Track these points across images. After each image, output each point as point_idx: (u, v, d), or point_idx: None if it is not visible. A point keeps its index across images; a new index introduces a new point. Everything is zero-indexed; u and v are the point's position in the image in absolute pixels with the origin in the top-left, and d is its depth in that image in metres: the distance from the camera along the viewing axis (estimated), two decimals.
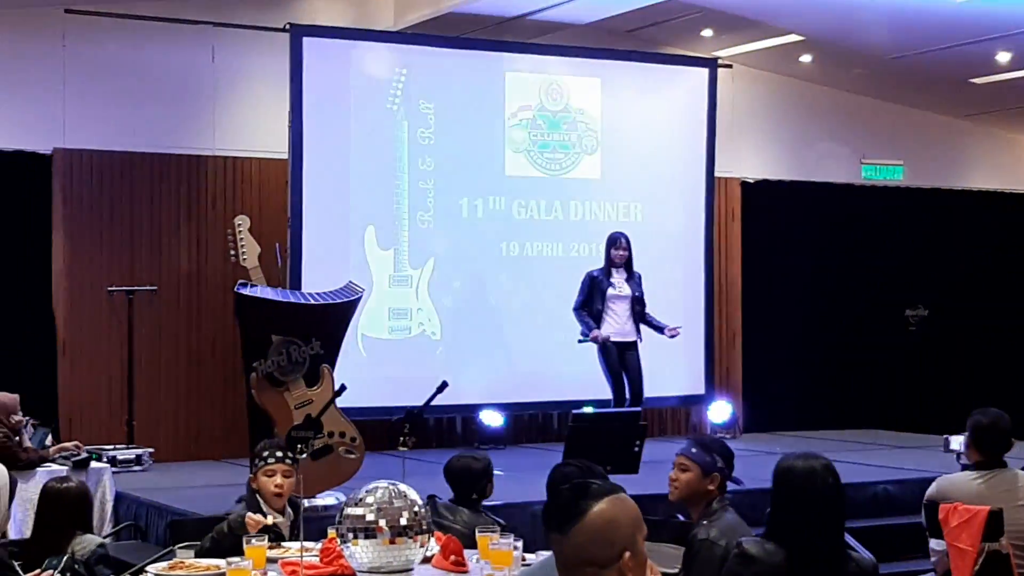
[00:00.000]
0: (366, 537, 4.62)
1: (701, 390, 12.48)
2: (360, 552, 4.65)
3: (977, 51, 12.33)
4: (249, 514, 5.10)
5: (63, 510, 5.03)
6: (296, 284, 10.53)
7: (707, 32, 12.73)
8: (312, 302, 7.93)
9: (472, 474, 5.66)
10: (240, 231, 7.83)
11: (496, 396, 11.50)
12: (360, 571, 4.67)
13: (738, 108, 13.57)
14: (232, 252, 7.82)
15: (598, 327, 10.18)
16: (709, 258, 12.56)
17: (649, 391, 11.23)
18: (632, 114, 12.18)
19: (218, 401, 11.04)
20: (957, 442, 7.74)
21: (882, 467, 10.08)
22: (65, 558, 4.65)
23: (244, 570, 4.60)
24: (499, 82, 11.65)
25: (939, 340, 14.30)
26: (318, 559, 4.98)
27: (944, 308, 14.23)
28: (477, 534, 4.98)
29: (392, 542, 4.63)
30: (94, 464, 8.63)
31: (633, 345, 10.31)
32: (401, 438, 6.19)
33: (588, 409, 9.69)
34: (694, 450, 4.87)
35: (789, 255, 13.84)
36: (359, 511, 4.67)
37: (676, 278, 12.18)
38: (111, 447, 10.01)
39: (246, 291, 7.65)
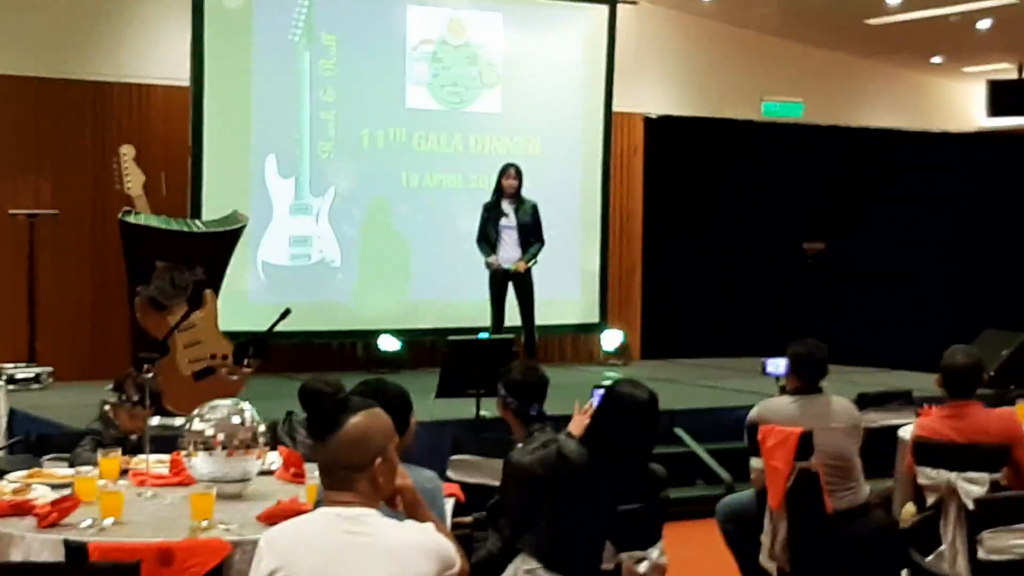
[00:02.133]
0: (205, 449, 5.00)
1: (596, 318, 12.92)
2: (200, 464, 5.02)
3: None
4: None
5: None
6: (196, 211, 10.83)
7: None
8: (195, 230, 8.24)
9: (322, 396, 6.04)
10: (125, 160, 8.11)
11: (394, 322, 11.87)
12: (201, 480, 5.05)
13: (643, 45, 13.90)
14: (117, 181, 8.11)
15: (494, 247, 10.52)
16: (606, 191, 12.95)
17: (546, 319, 11.70)
18: (533, 50, 12.50)
19: (120, 323, 11.31)
20: (774, 365, 8.18)
21: (753, 393, 10.56)
22: None
23: (91, 479, 4.97)
24: (401, 15, 11.92)
25: (834, 273, 14.81)
26: (167, 470, 5.37)
27: (840, 243, 14.73)
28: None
29: (230, 455, 5.01)
30: None
31: (524, 275, 10.65)
32: (245, 360, 6.51)
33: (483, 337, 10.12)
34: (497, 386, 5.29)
35: (691, 190, 14.26)
36: (200, 426, 5.04)
37: (573, 211, 12.58)
38: (11, 365, 10.30)
39: (130, 219, 7.96)
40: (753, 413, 6.36)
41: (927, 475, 5.88)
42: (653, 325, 14.03)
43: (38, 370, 10.31)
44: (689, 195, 14.26)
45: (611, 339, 13.03)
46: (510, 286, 10.65)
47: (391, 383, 4.14)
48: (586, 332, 13.12)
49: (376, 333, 11.85)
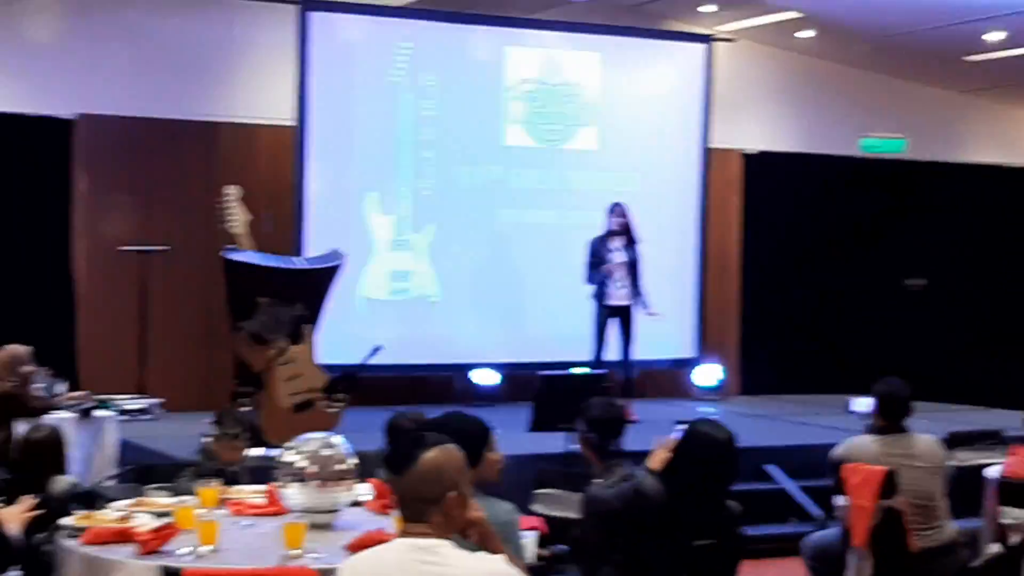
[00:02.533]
0: (297, 481, 5.21)
1: (691, 354, 12.99)
2: (292, 495, 5.24)
3: (967, 30, 12.68)
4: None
5: (37, 456, 5.65)
6: (299, 248, 11.15)
7: (708, 8, 13.14)
8: (295, 267, 8.51)
9: (404, 432, 6.23)
10: (229, 199, 8.41)
11: (491, 356, 12.06)
12: (294, 510, 5.26)
13: (741, 81, 13.99)
14: (221, 220, 8.41)
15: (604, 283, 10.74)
16: (703, 227, 13.04)
17: (642, 354, 11.85)
18: (630, 87, 12.67)
19: (227, 356, 11.64)
20: (858, 404, 8.23)
21: (849, 431, 10.55)
22: (42, 496, 5.28)
23: (190, 508, 5.21)
24: (500, 56, 12.16)
25: (937, 310, 14.73)
26: (266, 500, 5.60)
27: (942, 279, 14.65)
28: None
29: (321, 486, 5.22)
30: (98, 413, 9.25)
31: (627, 309, 10.86)
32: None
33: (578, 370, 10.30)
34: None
35: (789, 225, 14.27)
36: (293, 458, 5.26)
37: (670, 246, 12.68)
38: (122, 397, 10.65)
39: (233, 256, 8.24)
40: (838, 451, 6.43)
41: (1011, 515, 5.90)
42: (751, 361, 14.05)
43: (149, 402, 10.63)
44: (787, 231, 14.27)
45: (706, 374, 13.08)
46: (612, 321, 10.85)
47: (468, 417, 4.31)
48: (682, 367, 13.18)
49: (473, 367, 12.04)
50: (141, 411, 10.57)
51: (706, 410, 12.38)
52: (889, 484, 6.08)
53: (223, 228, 8.47)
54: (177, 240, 11.53)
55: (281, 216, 11.52)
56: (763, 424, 11.51)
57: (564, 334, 11.77)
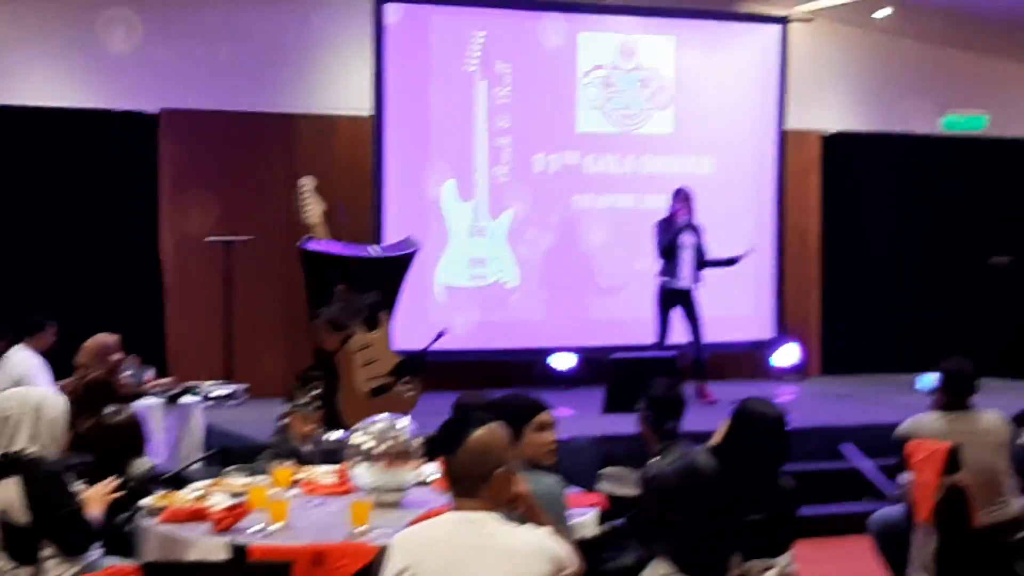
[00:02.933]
0: (365, 460, 5.39)
1: (770, 335, 13.02)
2: (360, 474, 5.43)
3: None
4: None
5: (117, 439, 5.88)
6: (378, 236, 11.36)
7: None
8: (370, 255, 8.70)
9: (472, 410, 6.40)
10: (305, 190, 8.62)
11: (568, 340, 12.18)
12: (363, 489, 5.44)
13: (819, 62, 13.95)
14: (298, 210, 8.63)
15: (674, 270, 10.82)
16: (780, 209, 13.04)
17: (720, 336, 11.97)
18: (704, 71, 12.70)
19: (309, 342, 11.90)
20: (922, 381, 8.24)
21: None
22: (122, 478, 5.52)
23: (263, 487, 5.40)
24: (573, 42, 12.26)
25: (1022, 287, 14.60)
26: (336, 480, 5.79)
27: None
28: None
29: (387, 466, 5.39)
30: (185, 399, 9.54)
31: (688, 293, 10.94)
32: (404, 378, 6.87)
33: None
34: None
35: (870, 205, 14.19)
36: (361, 439, 5.44)
37: (747, 228, 12.69)
38: (209, 383, 10.94)
39: (310, 246, 8.46)
40: (902, 428, 6.48)
41: None
42: (833, 341, 14.03)
43: (234, 387, 10.91)
44: (868, 211, 14.20)
45: (786, 355, 13.10)
46: (676, 306, 10.93)
47: (518, 397, 4.48)
48: (761, 349, 13.20)
49: (552, 351, 12.17)
50: (227, 397, 10.85)
51: (785, 390, 12.41)
52: (953, 460, 6.11)
53: (300, 218, 8.68)
54: (259, 230, 11.79)
55: (360, 205, 11.76)
56: (840, 403, 11.51)
57: (640, 317, 11.83)
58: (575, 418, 9.56)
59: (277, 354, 11.86)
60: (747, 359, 13.46)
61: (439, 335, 8.36)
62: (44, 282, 11.55)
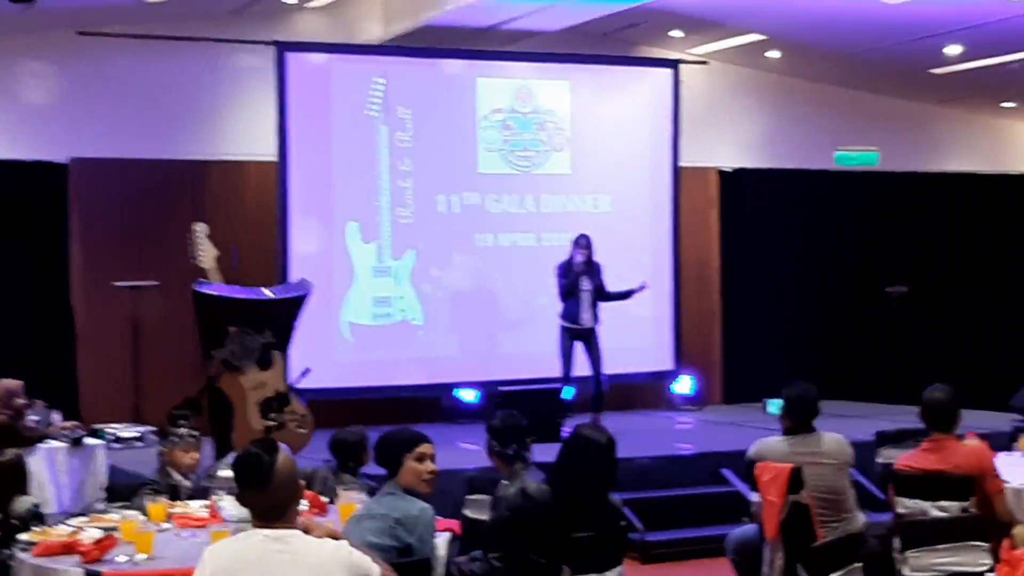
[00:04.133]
0: (230, 494, 5.71)
1: (669, 366, 13.44)
2: (226, 506, 5.75)
3: (927, 45, 13.10)
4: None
5: (0, 479, 6.18)
6: (285, 276, 11.70)
7: (676, 33, 13.62)
8: (262, 297, 9.03)
9: (347, 446, 6.77)
10: (198, 236, 8.95)
11: (475, 375, 12.55)
12: (229, 521, 5.76)
13: (715, 102, 14.48)
14: (191, 255, 8.95)
15: (575, 311, 11.28)
16: (676, 244, 13.49)
17: (622, 367, 12.42)
18: (600, 113, 13.16)
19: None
20: (773, 405, 8.67)
21: None
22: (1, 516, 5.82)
23: (133, 521, 5.72)
24: (472, 88, 12.69)
25: (917, 316, 15.12)
26: (208, 513, 6.11)
27: (922, 286, 15.05)
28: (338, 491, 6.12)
29: None
30: (88, 441, 9.80)
31: (593, 331, 11.39)
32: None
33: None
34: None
35: (768, 239, 14.70)
36: (226, 473, 5.76)
37: (644, 262, 13.13)
38: (119, 426, 11.20)
39: (203, 289, 8.78)
40: (751, 451, 6.89)
41: (904, 504, 6.34)
42: (734, 371, 14.48)
43: (141, 429, 11.17)
44: (767, 244, 14.70)
45: (684, 386, 13.53)
46: (577, 342, 11.37)
47: (403, 430, 4.97)
48: (660, 380, 13.63)
49: (456, 386, 12.53)
50: (135, 438, 11.12)
51: (683, 420, 12.84)
52: (795, 480, 6.52)
53: (192, 263, 9.00)
54: (168, 275, 12.07)
55: (269, 248, 12.09)
56: (728, 431, 11.96)
57: (543, 352, 12.20)
58: (474, 451, 9.89)
59: (185, 396, 12.11)
60: (649, 390, 13.89)
61: (304, 373, 8.71)
62: None
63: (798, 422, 6.77)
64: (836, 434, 6.90)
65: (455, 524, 5.81)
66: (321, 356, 11.88)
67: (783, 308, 14.77)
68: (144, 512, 6.10)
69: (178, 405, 7.93)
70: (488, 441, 5.87)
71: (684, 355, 13.68)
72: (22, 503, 6.18)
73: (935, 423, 6.45)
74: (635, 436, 11.52)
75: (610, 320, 11.75)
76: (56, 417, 10.21)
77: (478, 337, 12.72)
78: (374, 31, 12.93)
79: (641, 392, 13.87)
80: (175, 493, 6.50)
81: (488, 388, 12.63)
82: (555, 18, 12.40)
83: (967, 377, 14.40)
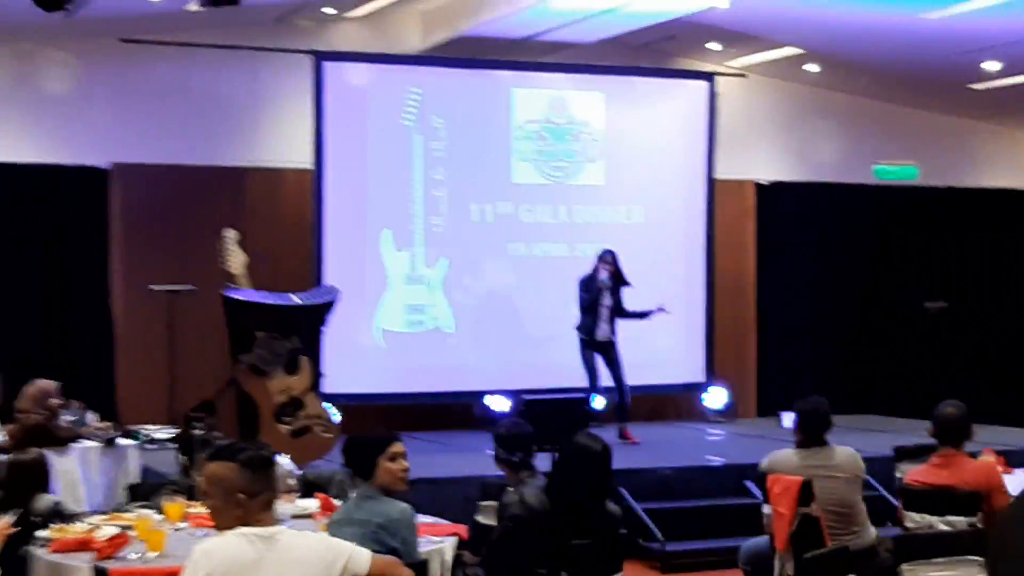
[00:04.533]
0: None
1: (701, 378, 13.48)
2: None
3: (965, 61, 13.06)
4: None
5: (21, 475, 6.34)
6: (319, 282, 11.84)
7: (714, 46, 13.67)
8: (290, 303, 9.17)
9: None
10: (228, 242, 9.11)
11: (503, 383, 12.62)
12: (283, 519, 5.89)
13: (753, 114, 14.51)
14: (221, 260, 9.11)
15: (591, 325, 11.37)
16: (710, 256, 13.53)
17: (651, 379, 12.47)
18: (635, 124, 13.23)
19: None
20: (788, 419, 8.71)
21: None
22: (20, 512, 5.97)
23: (147, 519, 5.85)
24: (507, 98, 12.80)
25: (955, 331, 15.06)
26: None
27: (961, 302, 15.00)
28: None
29: None
30: (121, 441, 9.97)
31: (611, 344, 11.48)
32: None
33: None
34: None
35: (805, 252, 14.69)
36: None
37: (677, 274, 13.20)
38: (153, 427, 11.37)
39: (232, 294, 8.93)
40: (763, 464, 6.94)
41: (912, 519, 6.37)
42: (768, 383, 14.49)
43: (175, 431, 11.32)
44: (803, 257, 14.69)
45: (715, 398, 13.56)
46: (597, 354, 11.52)
47: (372, 431, 5.02)
48: (691, 391, 13.66)
49: (486, 394, 12.61)
50: (169, 439, 11.27)
51: (714, 431, 12.87)
52: (805, 493, 6.57)
53: (223, 268, 9.16)
54: (205, 280, 12.24)
55: (304, 254, 12.25)
56: (758, 443, 11.94)
57: (574, 362, 12.28)
58: None
59: (200, 399, 12.29)
60: (682, 401, 13.93)
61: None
62: (3, 330, 11.98)
63: (810, 435, 6.82)
64: (848, 448, 6.95)
65: (462, 528, 5.90)
66: (354, 362, 12.05)
67: (820, 321, 14.77)
68: (161, 511, 6.24)
69: (194, 407, 8.05)
70: (495, 449, 5.96)
71: (718, 367, 13.72)
72: (43, 501, 6.32)
73: (945, 438, 6.48)
74: (662, 447, 11.61)
75: (642, 331, 11.83)
76: (91, 418, 10.40)
77: (509, 346, 12.81)
78: (412, 42, 13.08)
79: (674, 403, 13.92)
80: (195, 493, 6.62)
81: (517, 396, 12.72)
82: (591, 30, 12.48)
83: (1004, 393, 14.42)
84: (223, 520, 3.89)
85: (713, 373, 13.58)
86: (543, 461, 8.03)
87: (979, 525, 6.18)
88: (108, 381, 12.28)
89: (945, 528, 6.16)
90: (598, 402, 12.05)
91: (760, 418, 14.14)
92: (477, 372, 12.62)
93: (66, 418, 10.04)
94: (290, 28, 12.83)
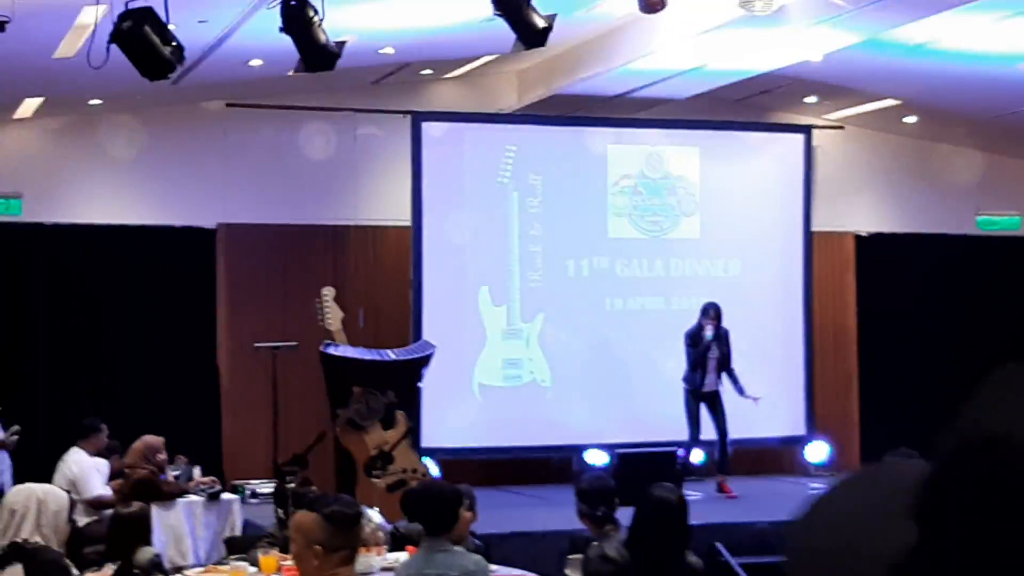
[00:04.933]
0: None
1: (802, 431, 13.42)
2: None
3: None
4: None
5: (124, 528, 6.55)
6: (418, 337, 12.03)
7: (810, 99, 13.71)
8: (386, 359, 9.37)
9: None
10: (326, 300, 9.34)
11: (601, 437, 12.68)
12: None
13: (852, 166, 14.50)
14: (319, 318, 9.34)
15: (699, 377, 11.47)
16: (808, 308, 13.50)
17: (752, 432, 12.44)
18: (731, 177, 13.30)
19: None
20: None
21: None
22: (121, 564, 6.19)
23: (242, 571, 6.04)
24: (602, 154, 12.95)
25: None
26: None
27: None
28: None
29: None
30: (224, 496, 10.22)
31: (717, 394, 11.53)
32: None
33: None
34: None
35: (906, 304, 14.58)
36: None
37: (775, 328, 13.19)
38: (257, 481, 11.63)
39: (330, 350, 9.15)
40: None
41: None
42: (872, 436, 14.35)
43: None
44: (904, 309, 14.58)
45: (817, 451, 13.47)
46: (702, 405, 11.53)
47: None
48: (792, 444, 13.60)
49: (586, 448, 12.67)
50: (272, 494, 11.51)
51: (815, 485, 12.77)
52: None
53: (320, 325, 9.40)
54: (307, 335, 12.51)
55: (404, 310, 12.48)
56: None
57: (671, 415, 12.34)
58: None
59: (322, 452, 12.51)
60: (784, 455, 13.86)
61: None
62: (114, 386, 12.34)
63: None
64: None
65: None
66: (452, 416, 12.22)
67: (923, 373, 14.61)
68: (256, 563, 6.41)
69: (286, 461, 8.25)
70: (577, 504, 6.05)
71: (822, 420, 13.64)
72: (144, 553, 6.52)
73: None
74: (761, 500, 11.56)
75: (744, 384, 11.84)
76: (197, 472, 10.68)
77: (606, 399, 12.87)
78: (508, 100, 13.30)
79: (776, 457, 13.86)
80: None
81: (615, 450, 12.78)
82: (686, 86, 12.59)
83: None
84: (303, 568, 4.03)
85: (814, 426, 13.50)
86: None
87: None
88: (214, 436, 12.57)
89: None
90: (696, 455, 12.08)
91: None
92: (575, 426, 12.69)
93: (172, 473, 10.33)
94: (388, 89, 13.11)
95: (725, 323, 11.71)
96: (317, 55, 7.58)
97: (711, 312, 11.63)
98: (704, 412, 11.62)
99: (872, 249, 14.59)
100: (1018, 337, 14.81)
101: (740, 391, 11.68)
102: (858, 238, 14.59)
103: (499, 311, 12.59)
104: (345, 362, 9.11)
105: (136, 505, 6.76)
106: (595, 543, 5.93)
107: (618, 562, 5.23)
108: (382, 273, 13.03)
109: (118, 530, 6.53)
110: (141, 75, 7.36)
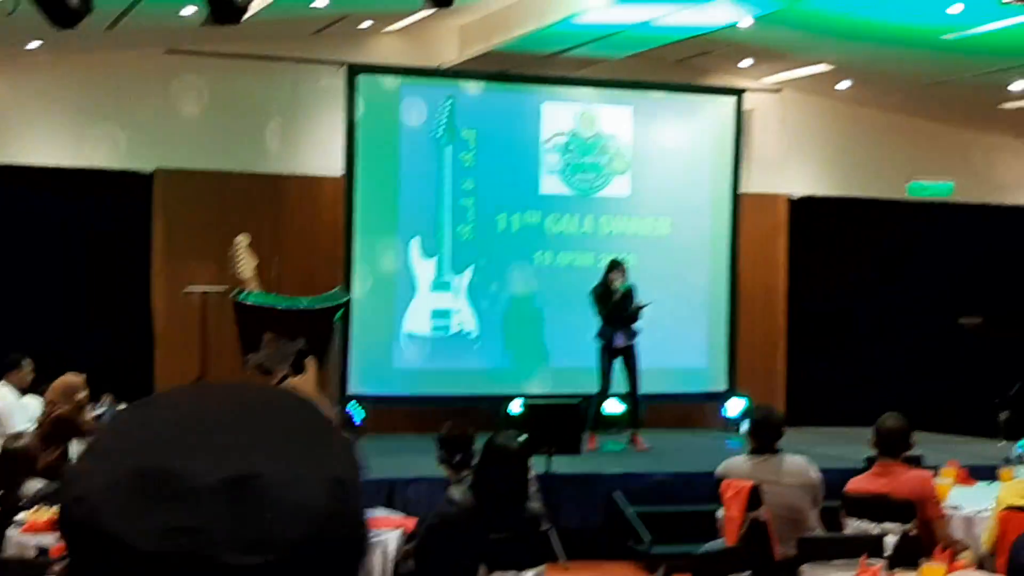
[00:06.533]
0: None
1: (723, 387, 13.71)
2: None
3: (992, 80, 13.16)
4: None
5: (13, 462, 6.80)
6: (349, 288, 12.27)
7: (746, 62, 13.91)
8: (297, 307, 9.58)
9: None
10: (239, 247, 9.54)
11: (525, 388, 12.96)
12: None
13: (786, 130, 14.72)
14: (232, 265, 9.53)
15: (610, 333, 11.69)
16: (733, 268, 13.76)
17: (673, 387, 12.72)
18: (663, 138, 13.51)
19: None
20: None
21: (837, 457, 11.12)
22: (3, 494, 6.45)
23: None
24: (536, 111, 13.15)
25: (991, 347, 15.11)
26: None
27: (996, 318, 15.05)
28: None
29: None
30: None
31: (630, 349, 11.78)
32: None
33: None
34: None
35: (838, 266, 14.86)
36: None
37: (703, 286, 13.46)
38: None
39: (242, 298, 9.36)
40: (718, 469, 7.22)
41: (852, 525, 6.62)
42: (797, 396, 14.65)
43: None
44: (836, 272, 14.86)
45: (736, 407, 13.77)
46: (616, 360, 11.79)
47: None
48: (712, 401, 13.90)
49: (509, 398, 12.95)
50: None
51: (732, 439, 13.08)
52: (755, 497, 6.84)
53: (233, 273, 9.59)
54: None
55: (338, 259, 12.71)
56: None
57: (593, 368, 12.60)
58: None
59: None
60: (708, 411, 14.16)
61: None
62: (41, 324, 12.55)
63: (761, 443, 7.08)
64: (801, 457, 7.20)
65: (409, 522, 6.27)
66: (381, 365, 12.47)
67: (850, 336, 14.92)
68: None
69: None
70: (437, 450, 6.32)
71: (747, 378, 13.91)
72: (30, 486, 6.79)
73: (884, 448, 6.71)
74: (669, 453, 11.86)
75: (665, 340, 12.10)
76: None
77: (531, 352, 13.13)
78: (449, 55, 13.47)
79: (701, 413, 14.15)
80: None
81: (533, 401, 13.05)
82: (620, 45, 12.77)
83: None
84: None
85: (735, 384, 13.79)
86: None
87: (913, 532, 6.41)
88: (146, 377, 12.79)
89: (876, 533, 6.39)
90: (616, 407, 12.35)
91: (788, 428, 14.26)
92: (500, 377, 12.96)
93: (96, 412, 10.55)
94: (331, 40, 13.27)
95: (653, 280, 11.95)
96: (224, 7, 7.77)
97: (618, 267, 11.81)
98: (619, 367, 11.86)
99: (804, 212, 14.84)
100: (946, 303, 15.11)
101: (635, 310, 11.78)
102: (791, 201, 14.84)
103: (429, 263, 12.82)
104: (256, 310, 9.30)
105: (26, 439, 7.01)
106: (450, 486, 6.20)
107: (461, 504, 5.50)
108: (316, 223, 13.24)
109: (3, 463, 6.79)
110: (49, 23, 7.53)
